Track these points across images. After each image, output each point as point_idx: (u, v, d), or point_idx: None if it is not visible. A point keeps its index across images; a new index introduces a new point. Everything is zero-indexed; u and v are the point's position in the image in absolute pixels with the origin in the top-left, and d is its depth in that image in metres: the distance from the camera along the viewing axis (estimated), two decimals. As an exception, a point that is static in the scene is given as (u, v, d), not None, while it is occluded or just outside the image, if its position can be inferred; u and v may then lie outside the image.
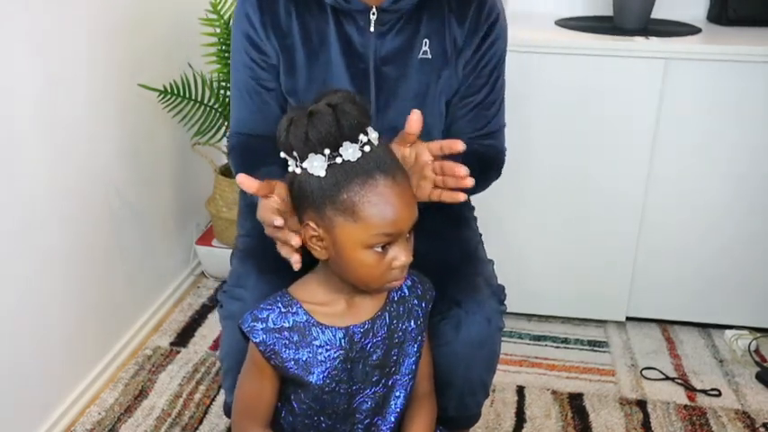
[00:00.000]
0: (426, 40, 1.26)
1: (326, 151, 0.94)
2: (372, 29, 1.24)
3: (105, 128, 1.80)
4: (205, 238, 2.33)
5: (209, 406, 1.77)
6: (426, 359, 1.18)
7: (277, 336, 1.03)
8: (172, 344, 2.02)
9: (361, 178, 0.94)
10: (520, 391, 1.85)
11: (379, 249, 0.97)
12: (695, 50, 1.87)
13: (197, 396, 1.81)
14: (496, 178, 1.38)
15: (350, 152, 0.94)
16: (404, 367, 1.12)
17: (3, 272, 1.48)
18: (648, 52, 1.85)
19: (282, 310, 1.04)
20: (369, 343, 1.06)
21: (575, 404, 1.81)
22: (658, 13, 2.08)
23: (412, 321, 1.11)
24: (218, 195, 2.23)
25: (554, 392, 1.85)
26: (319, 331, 1.04)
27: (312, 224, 0.99)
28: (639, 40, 1.88)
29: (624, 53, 1.86)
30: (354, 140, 0.94)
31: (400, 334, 1.10)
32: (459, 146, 1.01)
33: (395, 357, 1.10)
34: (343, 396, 1.08)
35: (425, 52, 1.26)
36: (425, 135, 1.26)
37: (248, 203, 1.36)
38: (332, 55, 1.25)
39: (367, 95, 1.26)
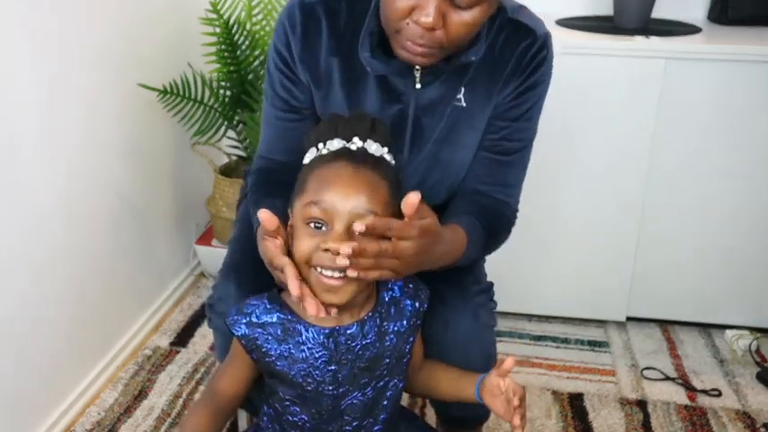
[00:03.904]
0: (463, 88, 1.20)
1: (320, 145, 1.00)
2: (416, 84, 1.18)
3: (105, 128, 1.80)
4: (205, 238, 2.33)
5: (208, 406, 1.77)
6: (418, 350, 1.18)
7: (260, 330, 1.04)
8: (172, 344, 2.02)
9: (328, 159, 0.98)
10: (520, 391, 1.85)
11: (316, 229, 0.96)
12: (695, 50, 1.86)
13: (197, 396, 1.81)
14: (506, 240, 1.29)
15: (334, 144, 0.99)
16: (396, 368, 1.10)
17: (3, 272, 1.48)
18: (648, 52, 1.84)
19: (268, 306, 1.05)
20: (357, 345, 1.04)
21: (575, 404, 1.81)
22: (658, 12, 2.08)
23: (404, 321, 1.09)
24: (218, 195, 2.23)
25: (554, 392, 1.85)
26: (302, 328, 1.03)
27: (290, 212, 1.02)
28: (639, 39, 1.88)
29: (624, 53, 1.86)
30: (347, 140, 0.99)
31: (392, 336, 1.08)
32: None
33: (387, 361, 1.08)
34: (329, 397, 1.06)
35: (459, 100, 1.21)
36: (444, 187, 1.26)
37: (245, 211, 1.36)
38: (369, 102, 1.20)
39: (401, 141, 1.22)
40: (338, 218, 0.94)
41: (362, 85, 1.20)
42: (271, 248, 1.00)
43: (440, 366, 1.19)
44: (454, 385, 1.16)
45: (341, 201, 0.94)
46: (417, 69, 1.16)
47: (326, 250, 0.94)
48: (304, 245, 0.96)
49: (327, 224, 0.95)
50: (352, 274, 0.93)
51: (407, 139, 1.22)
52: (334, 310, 0.99)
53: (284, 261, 0.97)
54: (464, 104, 1.20)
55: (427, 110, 1.21)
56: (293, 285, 0.95)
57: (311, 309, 0.95)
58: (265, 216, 0.97)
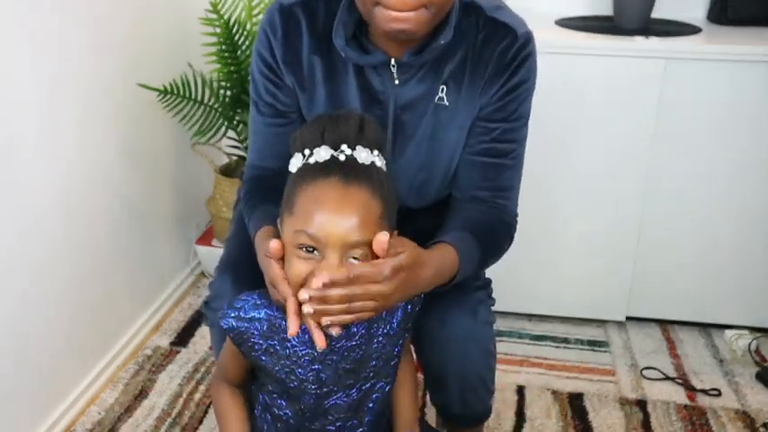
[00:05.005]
0: (444, 86, 1.19)
1: (306, 151, 0.97)
2: (395, 81, 1.18)
3: (105, 128, 1.80)
4: (205, 238, 2.34)
5: (209, 406, 1.77)
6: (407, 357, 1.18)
7: (247, 324, 1.04)
8: (172, 344, 2.02)
9: (316, 174, 0.95)
10: (520, 391, 1.85)
11: (308, 253, 0.94)
12: (695, 50, 1.86)
13: (197, 396, 1.81)
14: (508, 247, 1.27)
15: (321, 153, 0.96)
16: (383, 370, 1.09)
17: (3, 272, 1.48)
18: (648, 52, 1.84)
19: (258, 302, 1.05)
20: (342, 346, 1.03)
21: (575, 404, 1.81)
22: (658, 12, 2.08)
23: (395, 323, 1.08)
24: (218, 195, 2.23)
25: (554, 392, 1.85)
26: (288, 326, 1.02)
27: (279, 224, 1.01)
28: (639, 39, 1.88)
29: (624, 53, 1.86)
30: (334, 148, 0.96)
31: (380, 338, 1.06)
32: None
33: (374, 363, 1.07)
34: (312, 396, 1.06)
35: (441, 99, 1.19)
36: (433, 186, 1.25)
37: (240, 213, 1.36)
38: (351, 102, 1.21)
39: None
40: (331, 244, 0.92)
41: (344, 83, 1.20)
42: (275, 271, 0.98)
43: (399, 386, 1.18)
44: (395, 415, 1.19)
45: (332, 226, 0.91)
46: (393, 66, 1.16)
47: None
48: (297, 269, 0.94)
49: (320, 249, 0.93)
50: (324, 322, 0.92)
51: (389, 138, 1.22)
52: (336, 329, 0.96)
53: (288, 293, 0.96)
54: (447, 104, 1.20)
55: (407, 109, 1.20)
56: (292, 322, 0.94)
57: (320, 342, 0.95)
58: (276, 246, 0.97)
